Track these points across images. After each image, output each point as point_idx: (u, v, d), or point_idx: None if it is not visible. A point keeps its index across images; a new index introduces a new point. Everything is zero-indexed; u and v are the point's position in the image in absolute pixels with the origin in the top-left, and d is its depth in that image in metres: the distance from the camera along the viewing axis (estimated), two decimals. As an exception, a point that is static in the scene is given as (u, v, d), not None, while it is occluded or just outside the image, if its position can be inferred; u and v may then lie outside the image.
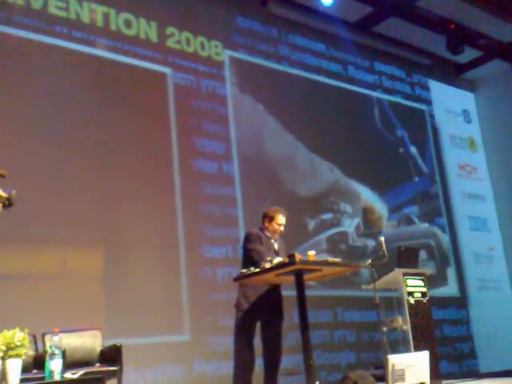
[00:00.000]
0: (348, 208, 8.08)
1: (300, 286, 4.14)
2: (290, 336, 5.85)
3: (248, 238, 4.51)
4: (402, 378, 3.70)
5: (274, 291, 4.46)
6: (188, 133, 6.83)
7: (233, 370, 4.36)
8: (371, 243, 8.01)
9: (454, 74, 10.63)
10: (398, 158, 9.12)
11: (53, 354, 2.51)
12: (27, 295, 5.18)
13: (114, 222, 5.98)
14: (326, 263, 4.35)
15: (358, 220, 8.12)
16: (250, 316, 4.33)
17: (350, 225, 8.00)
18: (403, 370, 3.72)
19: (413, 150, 9.32)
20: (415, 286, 4.94)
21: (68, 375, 2.65)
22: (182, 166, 6.64)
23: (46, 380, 2.49)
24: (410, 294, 4.86)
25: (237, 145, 7.22)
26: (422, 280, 5.06)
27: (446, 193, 9.61)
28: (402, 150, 9.20)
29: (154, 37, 6.91)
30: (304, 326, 4.10)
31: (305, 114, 8.09)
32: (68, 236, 5.65)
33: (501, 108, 10.40)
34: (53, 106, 5.89)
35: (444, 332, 8.56)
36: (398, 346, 4.82)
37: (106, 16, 6.57)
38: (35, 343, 4.04)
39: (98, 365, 4.11)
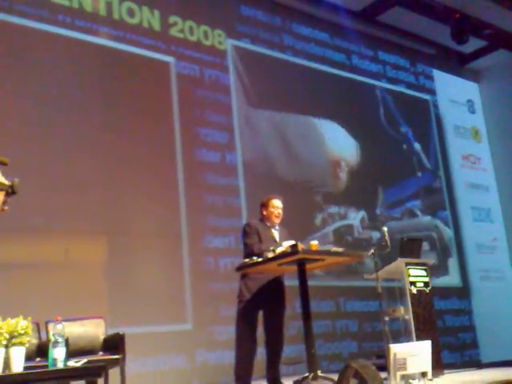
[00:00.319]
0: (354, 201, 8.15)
1: (302, 275, 4.14)
2: (293, 325, 5.86)
3: (244, 231, 4.47)
4: (404, 367, 3.70)
5: (275, 281, 4.45)
6: (191, 122, 6.82)
7: (234, 360, 4.37)
8: (376, 235, 8.06)
9: (458, 64, 10.58)
10: (401, 153, 9.12)
11: (56, 343, 2.51)
12: (31, 284, 5.21)
13: (117, 212, 5.99)
14: (329, 253, 4.35)
15: (362, 213, 8.15)
16: (252, 306, 4.33)
17: (355, 217, 8.05)
18: (405, 359, 3.71)
19: (417, 146, 9.31)
20: (418, 275, 4.94)
21: (71, 363, 2.65)
22: (184, 155, 6.64)
23: (50, 368, 2.50)
24: (413, 283, 4.86)
25: (240, 135, 7.21)
26: (425, 270, 5.06)
27: (450, 183, 9.60)
28: (405, 146, 9.20)
29: (157, 26, 6.88)
30: (306, 315, 4.11)
31: (308, 103, 8.06)
32: (72, 226, 5.66)
33: (505, 98, 10.35)
34: (55, 96, 5.88)
35: (446, 322, 8.58)
36: (400, 336, 4.82)
37: (108, 5, 6.54)
38: (38, 331, 4.05)
39: (100, 353, 4.12)
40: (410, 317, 4.71)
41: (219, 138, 7.03)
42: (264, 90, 7.62)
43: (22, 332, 2.53)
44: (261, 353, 4.44)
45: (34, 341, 3.88)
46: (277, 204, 4.52)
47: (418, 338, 4.58)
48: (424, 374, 3.91)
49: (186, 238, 6.40)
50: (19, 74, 5.73)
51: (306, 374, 3.96)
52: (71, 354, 2.90)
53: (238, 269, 4.29)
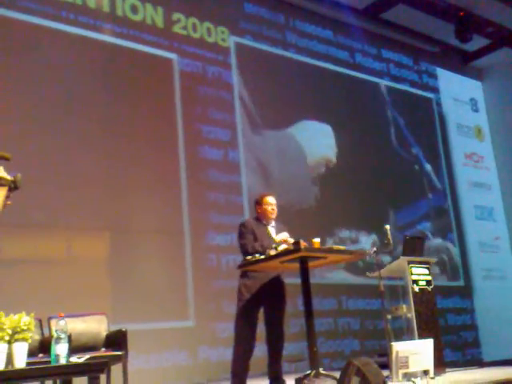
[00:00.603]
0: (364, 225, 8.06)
1: (305, 273, 4.14)
2: (295, 323, 5.86)
3: (239, 231, 4.44)
4: (406, 365, 3.70)
5: (275, 279, 4.43)
6: (194, 119, 6.82)
7: (232, 357, 4.35)
8: (386, 259, 8.02)
9: (461, 63, 10.56)
10: (413, 175, 9.06)
11: (58, 339, 2.52)
12: (33, 280, 5.21)
13: (119, 209, 5.99)
14: (331, 251, 4.35)
15: (374, 236, 8.06)
16: (251, 305, 4.30)
17: (366, 241, 7.97)
18: (407, 358, 3.71)
19: (427, 167, 9.27)
20: (420, 274, 4.94)
21: (73, 359, 2.65)
22: (187, 152, 6.64)
23: (52, 364, 2.51)
24: (415, 282, 4.85)
25: (243, 132, 7.20)
26: (427, 268, 5.05)
27: (453, 182, 9.58)
28: (417, 167, 9.15)
29: (160, 22, 6.88)
30: (308, 313, 4.11)
31: (311, 101, 8.05)
32: (75, 222, 5.67)
33: (508, 97, 10.33)
34: (58, 92, 5.88)
35: (448, 321, 8.57)
36: (402, 334, 4.82)
37: (112, 1, 6.53)
38: (41, 327, 4.06)
39: (103, 349, 4.12)
40: (412, 315, 4.70)
41: (222, 136, 7.02)
42: (266, 88, 7.60)
43: (25, 328, 2.54)
44: (262, 350, 4.44)
45: (37, 337, 3.88)
46: (270, 200, 4.50)
47: (420, 337, 4.57)
48: (426, 372, 3.91)
49: (189, 235, 6.40)
50: (22, 70, 5.73)
51: (308, 372, 3.95)
52: (74, 350, 2.90)
53: (240, 266, 4.28)
